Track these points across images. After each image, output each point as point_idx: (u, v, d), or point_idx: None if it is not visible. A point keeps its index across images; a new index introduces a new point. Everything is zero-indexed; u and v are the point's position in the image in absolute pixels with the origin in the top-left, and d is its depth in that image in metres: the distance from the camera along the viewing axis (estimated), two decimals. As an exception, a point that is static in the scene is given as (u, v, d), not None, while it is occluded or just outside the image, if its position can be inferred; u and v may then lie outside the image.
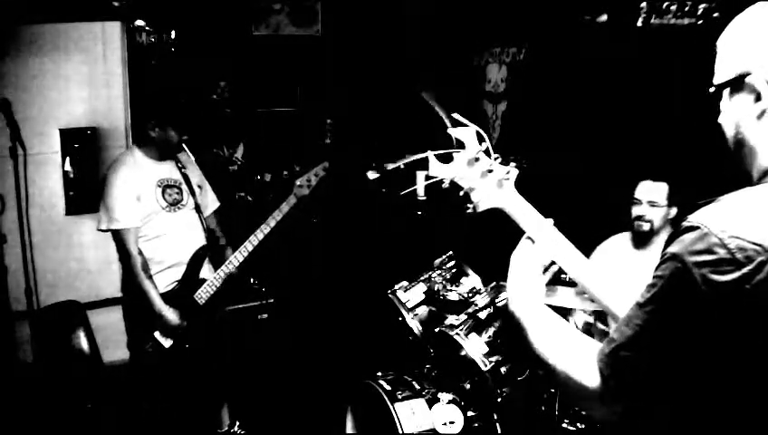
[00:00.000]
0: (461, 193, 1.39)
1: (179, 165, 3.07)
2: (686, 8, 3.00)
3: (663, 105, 3.07)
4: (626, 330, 0.97)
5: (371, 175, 1.51)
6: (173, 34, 4.31)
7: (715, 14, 2.90)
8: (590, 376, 1.00)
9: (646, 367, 0.95)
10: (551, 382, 2.34)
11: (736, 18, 1.04)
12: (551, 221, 1.35)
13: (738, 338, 0.89)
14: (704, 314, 0.89)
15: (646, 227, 2.74)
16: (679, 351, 0.92)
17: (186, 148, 3.09)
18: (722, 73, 1.05)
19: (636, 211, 2.76)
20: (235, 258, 3.05)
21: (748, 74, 0.99)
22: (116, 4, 3.97)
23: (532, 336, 1.17)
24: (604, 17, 3.44)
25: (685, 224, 0.94)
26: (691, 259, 0.90)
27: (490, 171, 1.36)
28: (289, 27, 4.75)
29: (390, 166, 1.50)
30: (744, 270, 0.87)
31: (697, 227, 0.92)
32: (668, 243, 0.96)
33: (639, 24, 3.16)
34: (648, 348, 0.94)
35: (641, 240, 2.80)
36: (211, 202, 3.27)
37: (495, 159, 1.38)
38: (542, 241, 1.33)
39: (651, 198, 2.72)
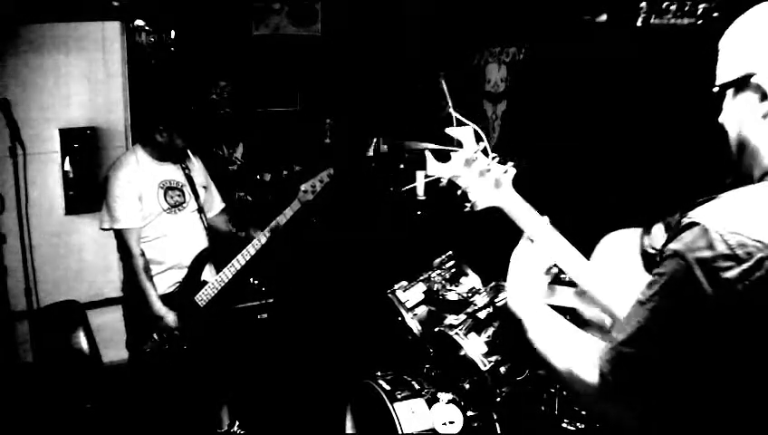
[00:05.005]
0: (459, 192, 1.40)
1: (183, 166, 3.07)
2: (686, 8, 3.00)
3: (663, 105, 3.07)
4: (626, 327, 0.97)
5: (383, 147, 1.52)
6: (173, 34, 4.31)
7: (715, 14, 2.90)
8: (590, 373, 1.01)
9: (645, 364, 0.95)
10: (552, 379, 2.34)
11: (740, 18, 1.04)
12: (546, 219, 1.36)
13: (738, 335, 0.89)
14: (705, 310, 0.89)
15: None
16: (680, 347, 0.92)
17: (190, 153, 3.08)
18: (726, 73, 1.06)
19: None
20: (237, 262, 3.06)
21: (753, 74, 1.00)
22: (116, 4, 3.97)
23: (533, 334, 1.18)
24: (604, 17, 3.44)
25: (685, 221, 0.94)
26: (692, 256, 0.90)
27: (488, 170, 1.37)
28: (289, 27, 4.75)
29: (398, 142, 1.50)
30: (745, 266, 0.87)
31: (698, 224, 0.92)
32: (669, 240, 0.96)
33: (639, 23, 3.15)
34: (648, 345, 0.95)
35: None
36: (217, 202, 3.30)
37: (493, 158, 1.39)
38: (540, 240, 1.33)
39: None
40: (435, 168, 1.41)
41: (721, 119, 1.08)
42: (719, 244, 0.89)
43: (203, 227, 3.11)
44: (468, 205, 1.39)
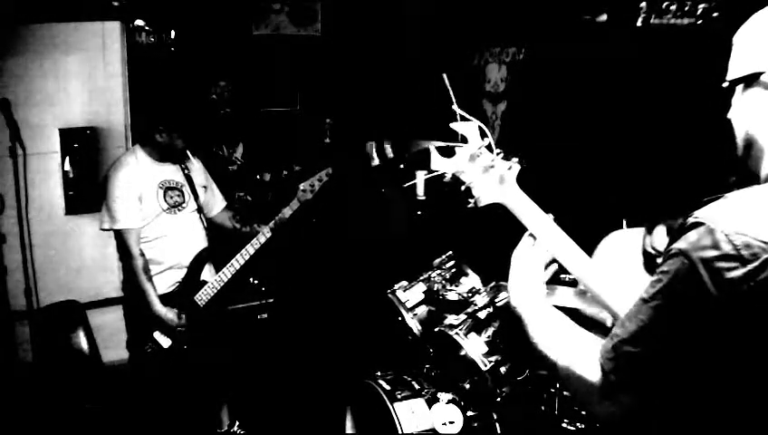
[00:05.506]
0: (462, 188, 1.39)
1: (182, 166, 3.08)
2: (686, 8, 3.00)
3: (662, 105, 3.07)
4: (629, 325, 0.97)
5: (388, 149, 1.51)
6: (173, 34, 4.31)
7: (715, 14, 2.90)
8: (591, 371, 1.00)
9: (648, 362, 0.95)
10: (552, 377, 2.34)
11: (755, 15, 1.04)
12: (550, 217, 1.35)
13: (741, 335, 0.89)
14: (709, 310, 0.89)
15: None
16: (682, 347, 0.92)
17: (190, 153, 3.08)
18: (737, 69, 1.05)
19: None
20: (237, 261, 3.06)
21: (763, 72, 1.00)
22: (116, 4, 3.97)
23: (533, 332, 1.17)
24: (604, 17, 3.44)
25: (690, 220, 0.94)
26: (697, 255, 0.90)
27: (492, 166, 1.36)
28: (289, 27, 4.75)
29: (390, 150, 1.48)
30: (750, 267, 0.87)
31: (703, 224, 0.91)
32: (674, 239, 0.96)
33: (639, 23, 3.15)
34: (650, 343, 0.94)
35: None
36: (219, 200, 3.31)
37: (498, 154, 1.38)
38: (543, 238, 1.33)
39: None
40: (439, 163, 1.40)
41: (730, 115, 1.08)
42: (724, 244, 0.88)
43: (202, 227, 3.11)
44: (472, 201, 1.39)
